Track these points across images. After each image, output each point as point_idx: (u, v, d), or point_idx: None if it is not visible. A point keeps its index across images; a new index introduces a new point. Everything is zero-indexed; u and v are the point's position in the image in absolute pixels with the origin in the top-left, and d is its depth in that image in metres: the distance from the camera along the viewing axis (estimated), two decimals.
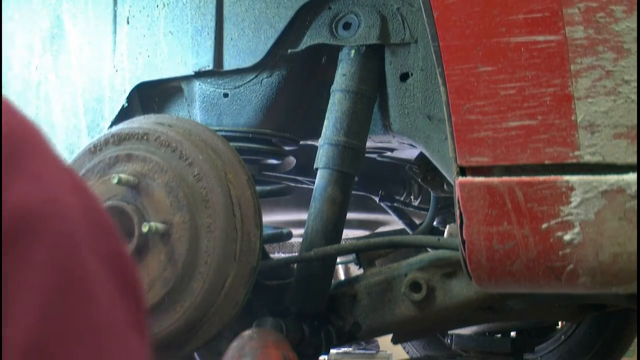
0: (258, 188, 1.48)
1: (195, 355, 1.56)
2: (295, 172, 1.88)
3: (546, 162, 1.11)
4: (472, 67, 1.15)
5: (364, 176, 1.97)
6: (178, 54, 1.65)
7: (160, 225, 1.32)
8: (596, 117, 1.09)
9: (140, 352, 0.47)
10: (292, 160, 1.80)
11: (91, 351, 0.44)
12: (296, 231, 1.81)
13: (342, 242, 1.53)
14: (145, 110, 1.74)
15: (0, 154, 0.44)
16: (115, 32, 1.73)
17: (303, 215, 1.66)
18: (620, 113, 1.08)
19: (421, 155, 1.66)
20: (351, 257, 1.71)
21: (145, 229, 1.31)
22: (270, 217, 2.20)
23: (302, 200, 1.98)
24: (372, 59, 1.50)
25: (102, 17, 1.75)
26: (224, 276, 1.33)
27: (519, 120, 1.12)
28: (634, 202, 1.07)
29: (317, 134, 1.55)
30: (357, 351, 4.59)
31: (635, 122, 1.08)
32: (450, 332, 2.19)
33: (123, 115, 1.70)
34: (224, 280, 1.34)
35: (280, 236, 1.73)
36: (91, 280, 0.45)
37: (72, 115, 1.80)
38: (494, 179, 1.14)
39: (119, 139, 1.42)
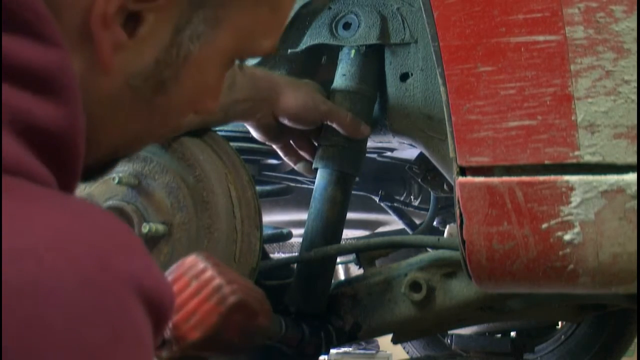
0: (258, 188, 1.48)
1: None
2: (295, 172, 1.87)
3: (546, 162, 1.11)
4: (472, 67, 1.15)
5: (364, 176, 1.97)
6: None
7: (160, 226, 1.32)
8: (596, 117, 1.09)
9: None
10: None
11: None
12: (296, 231, 1.80)
13: (342, 242, 1.53)
14: None
15: None
16: None
17: (303, 215, 1.66)
18: (620, 113, 1.08)
19: (421, 155, 1.66)
20: (351, 257, 1.71)
21: (145, 229, 1.31)
22: (270, 217, 2.19)
23: (302, 200, 1.98)
24: (372, 59, 1.50)
25: None
26: None
27: (519, 120, 1.12)
28: (634, 202, 1.07)
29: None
30: (357, 351, 4.59)
31: (635, 122, 1.08)
32: (450, 332, 2.18)
33: None
34: None
35: (280, 236, 1.73)
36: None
37: None
38: (494, 179, 1.14)
39: None
